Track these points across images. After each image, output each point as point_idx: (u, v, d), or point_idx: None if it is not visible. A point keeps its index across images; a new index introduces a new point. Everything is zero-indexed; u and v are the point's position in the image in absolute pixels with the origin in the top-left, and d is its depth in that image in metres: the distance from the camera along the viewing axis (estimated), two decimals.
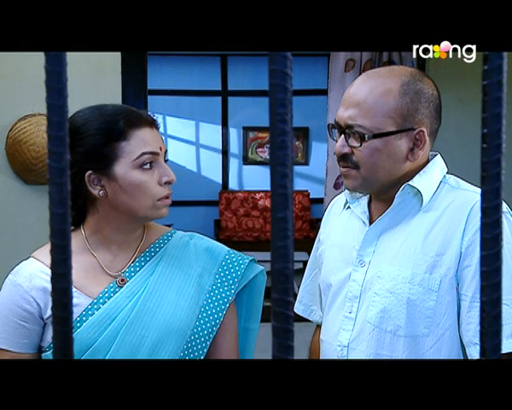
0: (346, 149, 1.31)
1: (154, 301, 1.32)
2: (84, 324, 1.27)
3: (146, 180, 1.27)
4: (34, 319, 1.30)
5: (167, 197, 1.30)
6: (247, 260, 1.42)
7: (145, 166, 1.28)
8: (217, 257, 1.40)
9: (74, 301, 1.27)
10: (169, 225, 1.56)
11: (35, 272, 1.31)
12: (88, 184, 1.28)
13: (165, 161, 1.33)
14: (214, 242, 1.46)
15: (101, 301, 1.30)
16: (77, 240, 1.33)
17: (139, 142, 1.27)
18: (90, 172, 1.27)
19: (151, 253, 1.37)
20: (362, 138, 1.28)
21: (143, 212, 1.30)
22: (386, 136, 1.28)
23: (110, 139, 1.26)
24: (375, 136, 1.28)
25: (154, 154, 1.29)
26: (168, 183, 1.30)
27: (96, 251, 1.34)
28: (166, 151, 1.34)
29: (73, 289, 1.28)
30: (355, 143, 1.29)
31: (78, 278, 1.29)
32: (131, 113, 1.30)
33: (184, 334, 1.31)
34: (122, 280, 1.33)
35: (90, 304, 1.29)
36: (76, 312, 1.27)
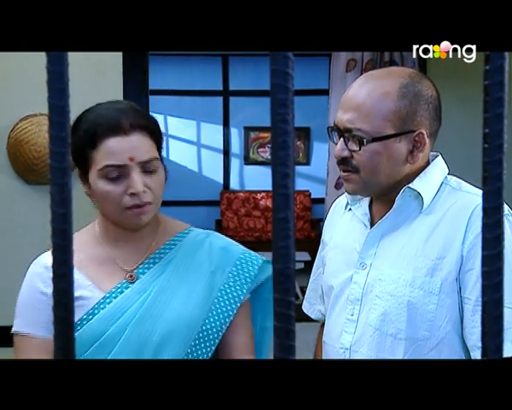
0: (346, 153, 1.30)
1: (165, 298, 1.33)
2: (95, 316, 1.30)
3: (109, 190, 1.27)
4: None
5: (137, 207, 1.28)
6: (260, 261, 1.42)
7: (110, 176, 1.27)
8: (231, 256, 1.41)
9: (88, 294, 1.32)
10: None
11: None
12: (79, 179, 1.33)
13: (152, 161, 1.30)
14: (231, 241, 1.47)
15: (113, 295, 1.33)
16: (91, 233, 1.38)
17: (104, 153, 1.27)
18: (78, 169, 1.32)
19: (166, 250, 1.38)
20: (361, 142, 1.27)
21: (115, 218, 1.32)
22: (386, 139, 1.27)
23: (85, 146, 1.28)
24: (374, 139, 1.27)
25: (119, 167, 1.27)
26: (133, 194, 1.27)
27: (109, 245, 1.37)
28: (151, 160, 1.29)
29: (89, 283, 1.34)
30: (354, 147, 1.29)
31: (93, 271, 1.34)
32: (110, 118, 1.28)
33: (192, 330, 1.32)
34: (131, 276, 1.34)
35: (102, 298, 1.32)
36: (89, 305, 1.31)
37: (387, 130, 1.27)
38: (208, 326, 1.33)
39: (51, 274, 1.47)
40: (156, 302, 1.32)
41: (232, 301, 1.37)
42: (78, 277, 1.33)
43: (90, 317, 1.30)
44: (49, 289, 1.32)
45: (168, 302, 1.33)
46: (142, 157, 1.28)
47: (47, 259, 1.37)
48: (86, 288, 1.33)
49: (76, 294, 1.31)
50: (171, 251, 1.39)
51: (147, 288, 1.34)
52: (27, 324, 1.34)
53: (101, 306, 1.31)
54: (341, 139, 1.31)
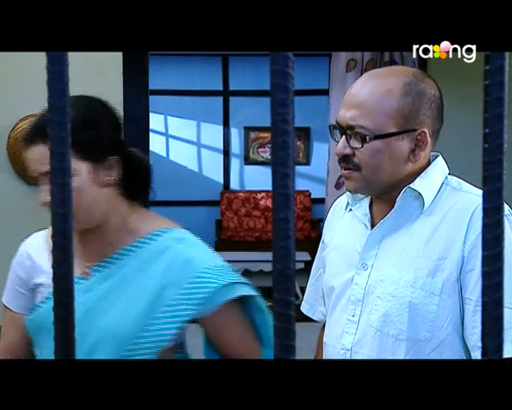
0: (348, 151, 1.30)
1: (104, 305, 1.31)
2: (45, 305, 1.35)
3: None
4: (25, 286, 1.42)
5: None
6: (222, 282, 1.32)
7: None
8: (192, 271, 1.32)
9: (48, 281, 1.35)
10: None
11: (33, 242, 1.45)
12: None
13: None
14: (202, 251, 1.37)
15: None
16: None
17: None
18: None
19: (124, 253, 1.35)
20: (363, 139, 1.27)
21: None
22: (388, 137, 1.27)
23: None
24: (377, 137, 1.27)
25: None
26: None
27: (77, 237, 1.37)
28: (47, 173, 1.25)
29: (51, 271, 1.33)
30: (356, 145, 1.28)
31: None
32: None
33: (124, 342, 1.29)
34: (84, 273, 1.35)
35: None
36: (46, 292, 1.36)
37: (390, 128, 1.27)
38: (143, 341, 1.29)
39: (28, 261, 1.51)
40: (95, 307, 1.31)
41: (178, 319, 1.30)
42: (47, 263, 1.37)
43: (41, 305, 1.36)
44: (25, 275, 1.41)
45: (105, 310, 1.30)
46: (39, 169, 1.27)
47: (28, 245, 1.45)
48: (49, 275, 1.34)
49: (39, 280, 1.38)
50: (128, 255, 1.34)
51: (92, 289, 1.32)
52: (6, 297, 1.46)
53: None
54: (343, 137, 1.31)
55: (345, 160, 1.31)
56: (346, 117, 1.29)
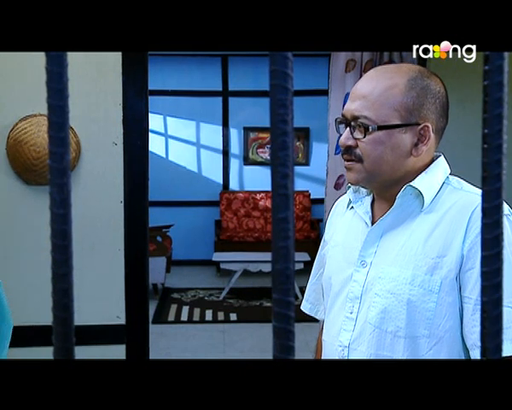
0: (351, 142, 1.32)
1: None
2: None
3: None
4: None
5: None
6: None
7: None
8: None
9: None
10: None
11: None
12: None
13: None
14: None
15: None
16: None
17: None
18: None
19: None
20: (366, 130, 1.29)
21: None
22: (391, 128, 1.29)
23: None
24: (380, 128, 1.28)
25: None
26: None
27: None
28: None
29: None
30: (359, 135, 1.30)
31: None
32: None
33: None
34: None
35: None
36: None
37: (393, 120, 1.29)
38: None
39: None
40: None
41: None
42: None
43: None
44: None
45: None
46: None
47: None
48: None
49: None
50: None
51: None
52: None
53: None
54: (347, 128, 1.32)
55: (347, 151, 1.33)
56: (351, 108, 1.32)
